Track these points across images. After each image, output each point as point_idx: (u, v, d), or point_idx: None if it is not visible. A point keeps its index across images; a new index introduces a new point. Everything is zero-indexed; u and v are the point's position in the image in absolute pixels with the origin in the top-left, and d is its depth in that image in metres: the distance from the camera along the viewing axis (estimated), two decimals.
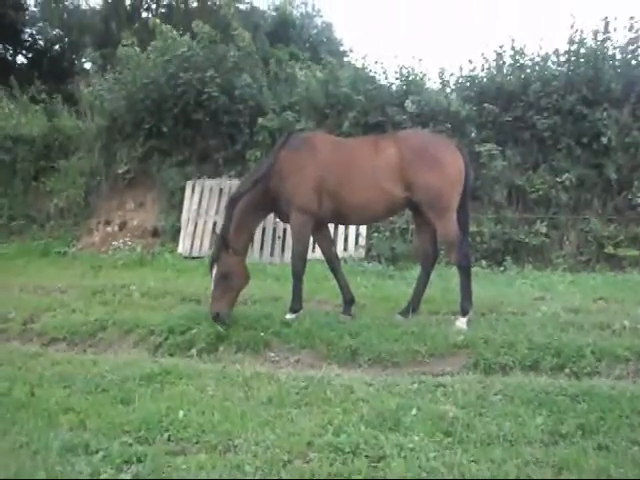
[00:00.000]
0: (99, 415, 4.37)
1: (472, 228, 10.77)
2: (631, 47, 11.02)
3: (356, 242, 11.06)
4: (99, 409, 4.48)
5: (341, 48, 26.12)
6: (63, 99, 14.15)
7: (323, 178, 6.55)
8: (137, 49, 12.22)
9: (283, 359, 5.97)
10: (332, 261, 7.09)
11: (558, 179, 10.77)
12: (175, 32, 12.08)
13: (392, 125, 11.15)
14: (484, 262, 10.49)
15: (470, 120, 11.12)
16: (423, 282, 6.97)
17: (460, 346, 5.87)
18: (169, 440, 4.05)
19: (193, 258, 11.09)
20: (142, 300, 7.77)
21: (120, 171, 12.35)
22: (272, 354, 6.03)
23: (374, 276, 9.67)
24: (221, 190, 11.75)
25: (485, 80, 11.59)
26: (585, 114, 10.76)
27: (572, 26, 11.22)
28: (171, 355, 6.09)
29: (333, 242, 7.47)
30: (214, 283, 6.53)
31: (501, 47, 11.79)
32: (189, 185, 11.89)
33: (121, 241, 11.71)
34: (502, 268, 10.19)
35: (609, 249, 10.51)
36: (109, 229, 12.24)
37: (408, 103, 11.16)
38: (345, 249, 11.06)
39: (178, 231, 11.71)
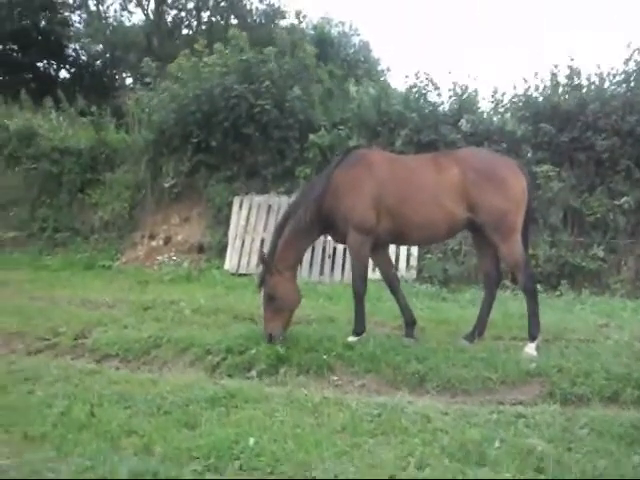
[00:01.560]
0: (164, 439, 4.16)
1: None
2: None
3: (407, 263, 10.79)
4: (163, 433, 4.26)
5: (379, 67, 26.02)
6: (110, 112, 14.13)
7: (382, 196, 6.32)
8: (195, 59, 12.11)
9: (347, 383, 5.71)
10: (392, 282, 6.85)
11: (616, 202, 10.39)
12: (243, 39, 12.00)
13: (445, 144, 10.90)
14: (539, 286, 10.13)
15: (526, 140, 10.82)
16: (488, 305, 6.69)
17: (533, 374, 5.59)
18: (241, 469, 3.83)
19: (240, 275, 10.92)
20: (194, 317, 7.58)
21: (166, 185, 12.26)
22: (335, 377, 5.77)
23: (427, 298, 9.40)
24: (269, 207, 11.60)
25: (541, 99, 11.29)
26: None
27: (629, 45, 10.94)
28: (229, 376, 5.86)
29: (392, 263, 7.21)
30: (263, 304, 6.39)
31: (556, 66, 11.52)
32: (237, 201, 11.75)
33: (166, 256, 11.60)
34: (558, 293, 9.83)
35: None
36: (154, 243, 12.12)
37: (462, 122, 10.91)
38: (396, 269, 10.78)
39: (224, 247, 11.55)
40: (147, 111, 12.55)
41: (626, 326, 7.47)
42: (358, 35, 26.42)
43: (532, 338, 6.21)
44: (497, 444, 4.10)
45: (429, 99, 11.75)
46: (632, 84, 10.80)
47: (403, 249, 10.78)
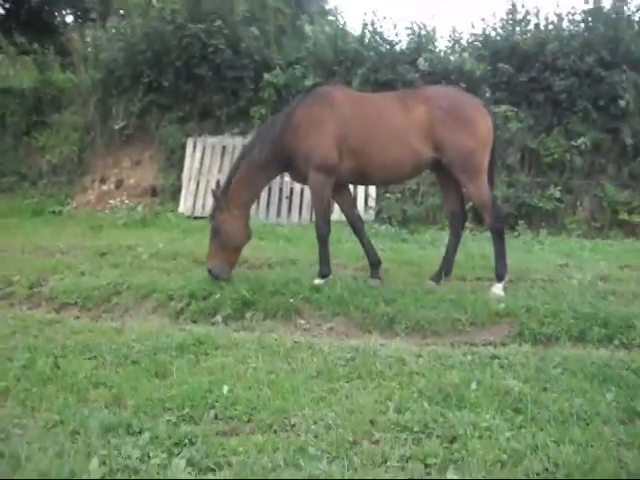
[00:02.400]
0: (135, 390, 3.98)
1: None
2: None
3: (365, 204, 10.69)
4: (133, 383, 4.08)
5: (327, 6, 25.24)
6: (54, 51, 13.35)
7: (345, 135, 6.14)
8: None
9: (315, 326, 5.63)
10: (355, 223, 6.75)
11: (573, 143, 10.46)
12: None
13: (403, 83, 10.71)
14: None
15: (484, 80, 10.73)
16: (453, 245, 6.68)
17: (501, 315, 5.59)
18: (217, 418, 3.68)
19: (196, 218, 10.66)
20: (153, 262, 7.35)
21: (117, 127, 11.76)
22: (303, 321, 5.68)
23: (387, 239, 9.34)
24: (224, 148, 11.28)
25: (499, 39, 11.15)
26: (603, 76, 10.41)
27: None
28: (194, 322, 5.72)
29: (355, 203, 7.08)
30: (209, 240, 6.33)
31: (513, 5, 11.39)
32: (190, 142, 11.37)
33: (118, 200, 11.23)
34: (516, 233, 9.93)
35: (623, 215, 10.30)
36: (105, 187, 11.70)
37: (421, 61, 10.74)
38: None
39: (178, 190, 11.24)
40: (94, 50, 11.90)
41: (586, 266, 7.56)
42: None
43: (499, 278, 6.21)
44: (474, 386, 4.06)
45: (386, 37, 11.48)
46: (590, 24, 10.73)
47: (361, 190, 10.66)
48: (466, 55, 10.80)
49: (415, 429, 3.51)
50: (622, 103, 10.27)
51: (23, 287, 6.60)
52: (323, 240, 6.35)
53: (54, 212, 11.15)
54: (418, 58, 10.83)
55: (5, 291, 6.59)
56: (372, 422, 3.61)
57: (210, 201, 10.80)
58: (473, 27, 11.41)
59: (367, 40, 11.32)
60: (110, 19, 11.85)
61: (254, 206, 8.12)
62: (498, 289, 6.15)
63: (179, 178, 11.31)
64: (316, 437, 3.45)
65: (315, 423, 3.59)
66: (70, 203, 11.53)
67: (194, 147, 11.34)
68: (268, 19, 11.50)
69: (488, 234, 9.41)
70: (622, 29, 10.52)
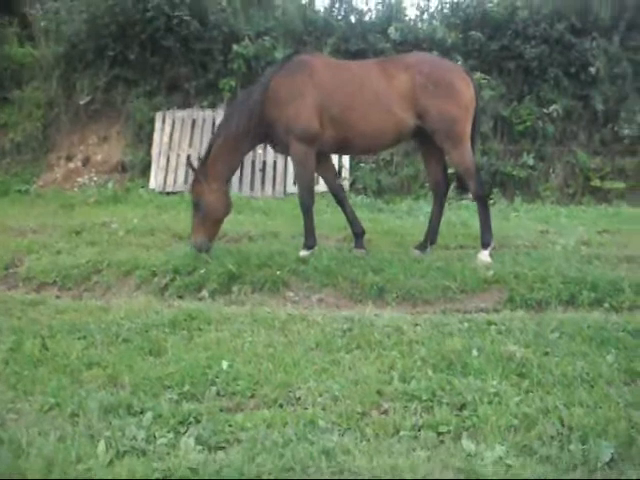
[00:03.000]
0: (130, 369, 3.85)
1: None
2: None
3: (339, 174, 10.56)
4: (128, 362, 3.95)
5: None
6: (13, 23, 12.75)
7: (325, 103, 6.02)
8: None
9: (304, 298, 5.55)
10: (338, 193, 6.66)
11: (545, 110, 10.48)
12: None
13: (374, 53, 10.56)
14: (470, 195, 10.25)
15: (455, 48, 10.64)
16: (438, 213, 6.63)
17: (490, 281, 5.61)
18: (219, 395, 3.59)
19: (168, 193, 10.41)
20: (130, 238, 7.15)
21: (82, 102, 11.32)
22: (291, 293, 5.60)
23: (364, 209, 9.26)
24: (194, 121, 10.99)
25: (469, 7, 11.06)
26: (574, 43, 10.44)
27: None
28: (180, 297, 5.59)
29: (336, 173, 6.97)
30: (192, 212, 6.24)
31: None
32: (159, 116, 11.03)
33: (86, 177, 10.88)
34: (492, 201, 9.91)
35: (595, 182, 10.40)
36: (71, 165, 11.32)
37: (392, 30, 10.60)
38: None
39: (148, 166, 10.93)
40: (54, 22, 11.43)
41: (566, 232, 7.63)
42: None
43: (485, 245, 6.21)
44: (475, 352, 4.05)
45: (355, 6, 11.32)
46: None
47: (334, 160, 10.51)
48: (437, 23, 10.70)
49: (423, 397, 3.48)
50: (592, 70, 10.33)
51: None
52: (308, 211, 6.25)
53: (20, 191, 10.73)
54: (388, 27, 10.68)
55: None
56: (379, 392, 3.56)
57: (181, 176, 10.68)
58: None
59: (336, 9, 11.10)
60: None
61: None
62: (484, 256, 6.15)
63: (148, 153, 11.00)
64: (324, 409, 3.39)
65: (321, 395, 3.53)
66: (36, 182, 11.13)
67: (163, 121, 11.02)
68: None
69: (465, 203, 9.67)
70: None
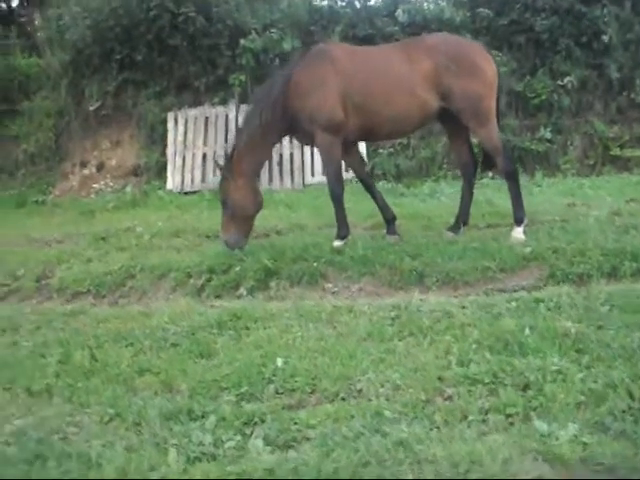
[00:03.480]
0: (184, 374, 3.81)
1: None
2: None
3: None
4: (180, 366, 3.90)
5: None
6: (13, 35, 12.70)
7: (348, 91, 5.94)
8: None
9: (343, 289, 5.49)
10: (366, 181, 6.62)
11: (559, 82, 10.37)
12: None
13: (383, 37, 10.47)
14: (490, 174, 10.18)
15: (464, 27, 10.52)
16: (468, 194, 6.56)
17: (529, 259, 5.52)
18: (278, 393, 3.54)
19: (186, 193, 10.38)
20: (159, 241, 7.10)
21: (92, 108, 11.28)
22: (330, 285, 5.54)
23: (386, 194, 9.11)
24: (207, 119, 10.94)
25: None
26: (584, 12, 10.30)
27: None
28: (218, 297, 5.55)
29: (364, 161, 6.91)
30: (221, 210, 6.20)
31: None
32: (171, 116, 10.98)
33: (102, 183, 10.87)
34: (491, 175, 9.80)
35: (615, 151, 10.30)
36: (86, 171, 11.30)
37: (399, 13, 10.49)
38: (347, 170, 10.50)
39: (163, 167, 10.90)
40: (57, 30, 11.36)
41: (593, 203, 7.55)
42: None
43: (518, 222, 6.13)
44: (528, 331, 3.98)
45: None
46: None
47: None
48: (444, 3, 10.56)
49: (486, 380, 3.41)
50: (605, 38, 10.19)
51: (30, 280, 6.31)
52: (338, 200, 6.18)
53: (37, 202, 10.73)
54: (395, 10, 10.57)
55: (12, 287, 6.29)
56: (440, 378, 3.50)
57: (198, 174, 10.64)
58: None
59: None
60: None
61: None
62: (518, 233, 6.08)
63: (163, 154, 10.97)
64: (388, 400, 3.33)
65: (382, 386, 3.47)
66: (52, 191, 11.12)
67: (175, 121, 10.96)
68: None
69: (486, 181, 9.60)
70: None
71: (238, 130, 6.41)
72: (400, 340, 4.08)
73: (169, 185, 10.62)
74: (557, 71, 10.43)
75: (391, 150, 10.41)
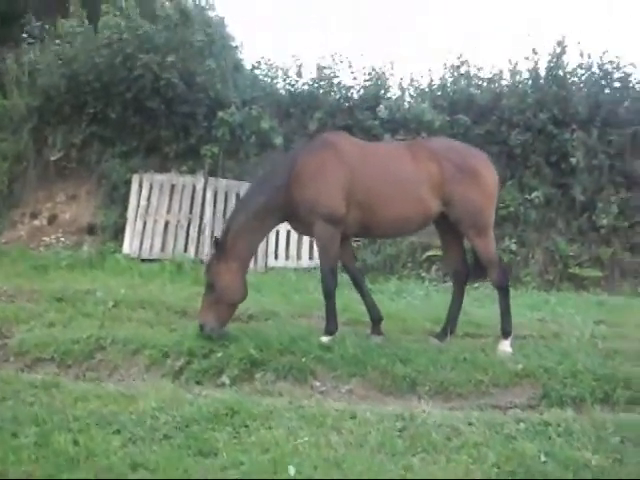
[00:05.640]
0: (185, 474, 3.43)
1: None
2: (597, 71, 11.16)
3: None
4: (178, 465, 3.50)
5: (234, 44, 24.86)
6: None
7: (353, 185, 5.80)
8: (86, 22, 10.77)
9: (332, 389, 5.21)
10: (356, 276, 6.41)
11: (527, 196, 10.65)
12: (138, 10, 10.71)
13: (362, 130, 10.58)
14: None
15: (443, 130, 10.73)
16: (458, 302, 6.43)
17: (521, 375, 5.43)
18: None
19: (143, 260, 9.93)
20: (126, 312, 6.65)
21: (53, 158, 10.82)
22: (318, 383, 5.25)
23: (350, 288, 9.03)
24: (173, 187, 10.60)
25: (455, 92, 11.27)
26: (555, 134, 10.73)
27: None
28: (198, 383, 5.15)
29: (355, 256, 6.75)
30: (204, 291, 5.85)
31: (459, 58, 11.65)
32: (136, 179, 10.58)
33: (53, 237, 10.30)
34: (476, 284, 9.86)
35: (574, 269, 10.52)
36: (37, 222, 10.71)
37: (381, 108, 10.66)
38: (311, 257, 10.36)
39: (121, 229, 10.43)
40: (30, 74, 10.96)
41: (562, 321, 7.58)
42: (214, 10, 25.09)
43: (506, 335, 6.05)
44: (543, 458, 3.82)
45: (343, 83, 11.35)
46: (542, 81, 11.07)
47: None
48: (425, 105, 10.80)
49: None
50: (573, 160, 10.57)
51: None
52: (330, 295, 5.95)
53: None
54: (377, 105, 10.74)
55: None
56: None
57: (158, 242, 10.24)
58: (431, 79, 11.52)
59: (322, 84, 11.11)
60: (49, 44, 10.94)
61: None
62: (506, 346, 5.99)
63: (122, 216, 10.52)
64: None
65: None
66: None
67: (140, 184, 10.57)
68: (221, 54, 11.00)
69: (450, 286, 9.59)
70: (569, 90, 10.90)
71: (233, 212, 6.14)
72: (413, 456, 3.83)
73: (125, 249, 10.15)
74: (526, 185, 10.73)
75: (359, 243, 10.31)
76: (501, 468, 3.69)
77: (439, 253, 10.51)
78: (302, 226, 6.15)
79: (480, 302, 8.45)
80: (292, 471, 3.47)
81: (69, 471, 3.41)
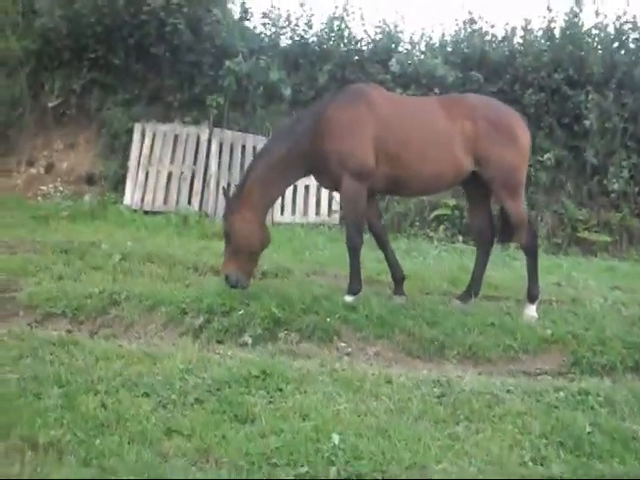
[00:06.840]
0: (223, 440, 3.23)
1: (452, 202, 10.31)
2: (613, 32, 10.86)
3: (329, 207, 10.16)
4: (216, 431, 3.29)
5: None
6: None
7: (384, 139, 5.54)
8: None
9: (358, 350, 5.04)
10: (380, 235, 6.17)
11: (539, 158, 10.42)
12: None
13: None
14: (461, 238, 10.09)
15: (455, 87, 10.43)
16: (482, 264, 6.22)
17: (550, 341, 5.27)
18: (339, 474, 3.04)
19: (146, 212, 9.64)
20: (135, 265, 6.39)
21: (50, 104, 10.40)
22: (344, 344, 5.06)
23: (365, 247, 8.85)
24: (176, 137, 10.25)
25: (468, 48, 10.92)
26: (570, 95, 10.46)
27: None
28: (219, 342, 4.95)
29: (381, 214, 6.54)
30: (224, 242, 5.66)
31: (470, 13, 11.30)
32: (138, 128, 10.21)
33: (51, 186, 9.95)
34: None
35: (582, 233, 10.38)
36: (33, 171, 10.36)
37: (393, 62, 10.30)
38: (318, 214, 10.14)
39: (121, 180, 10.12)
40: (24, 14, 10.46)
41: (578, 286, 7.45)
42: None
43: (532, 299, 5.87)
44: (588, 429, 3.67)
45: (354, 34, 10.96)
46: (557, 40, 10.76)
47: (325, 192, 10.09)
48: (438, 60, 10.45)
49: None
50: (587, 123, 10.33)
51: None
52: (355, 252, 5.74)
53: None
54: (389, 59, 10.39)
55: None
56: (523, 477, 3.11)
57: (161, 194, 9.94)
58: (443, 34, 11.15)
59: (333, 36, 10.71)
60: None
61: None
62: (531, 311, 5.82)
63: (122, 166, 10.20)
64: None
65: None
66: None
67: (142, 133, 10.20)
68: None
69: (460, 246, 9.47)
70: (586, 50, 10.59)
71: (253, 161, 5.89)
72: (457, 424, 3.67)
73: (127, 200, 9.85)
74: (538, 147, 10.46)
75: None
76: (549, 439, 3.53)
77: (448, 212, 10.37)
78: (327, 180, 5.89)
79: (494, 264, 8.24)
80: (336, 439, 3.29)
81: (100, 436, 3.20)
